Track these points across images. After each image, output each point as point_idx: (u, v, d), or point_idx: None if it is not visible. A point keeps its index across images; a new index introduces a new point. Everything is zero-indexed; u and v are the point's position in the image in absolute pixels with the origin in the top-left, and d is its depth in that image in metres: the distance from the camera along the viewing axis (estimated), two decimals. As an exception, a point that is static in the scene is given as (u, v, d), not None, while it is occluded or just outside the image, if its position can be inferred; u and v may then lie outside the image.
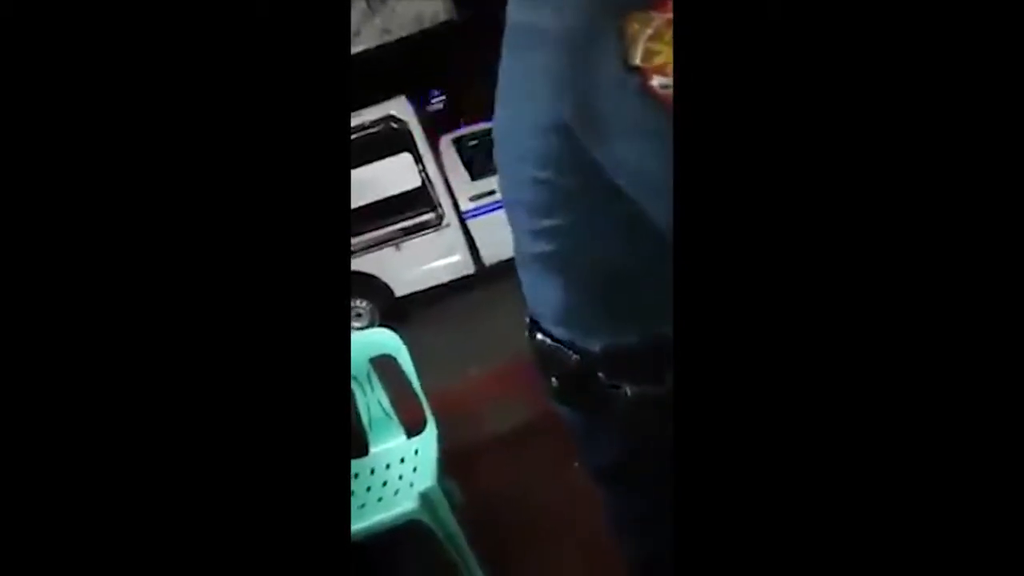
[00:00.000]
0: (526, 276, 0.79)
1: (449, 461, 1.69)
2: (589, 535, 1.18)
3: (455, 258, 4.19)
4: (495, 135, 0.74)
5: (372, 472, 1.73)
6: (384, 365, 1.77)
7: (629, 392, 0.71)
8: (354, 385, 1.76)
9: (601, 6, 0.51)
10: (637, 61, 0.49)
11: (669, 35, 0.49)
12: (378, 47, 4.59)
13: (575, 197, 0.63)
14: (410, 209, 4.17)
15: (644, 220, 0.58)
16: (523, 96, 0.62)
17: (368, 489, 1.68)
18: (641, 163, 0.54)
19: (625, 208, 0.59)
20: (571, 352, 0.74)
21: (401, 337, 1.74)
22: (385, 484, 1.69)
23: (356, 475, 1.72)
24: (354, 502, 1.62)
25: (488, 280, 3.94)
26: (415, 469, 1.68)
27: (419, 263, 4.19)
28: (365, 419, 1.78)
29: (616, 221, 0.62)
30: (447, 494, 1.63)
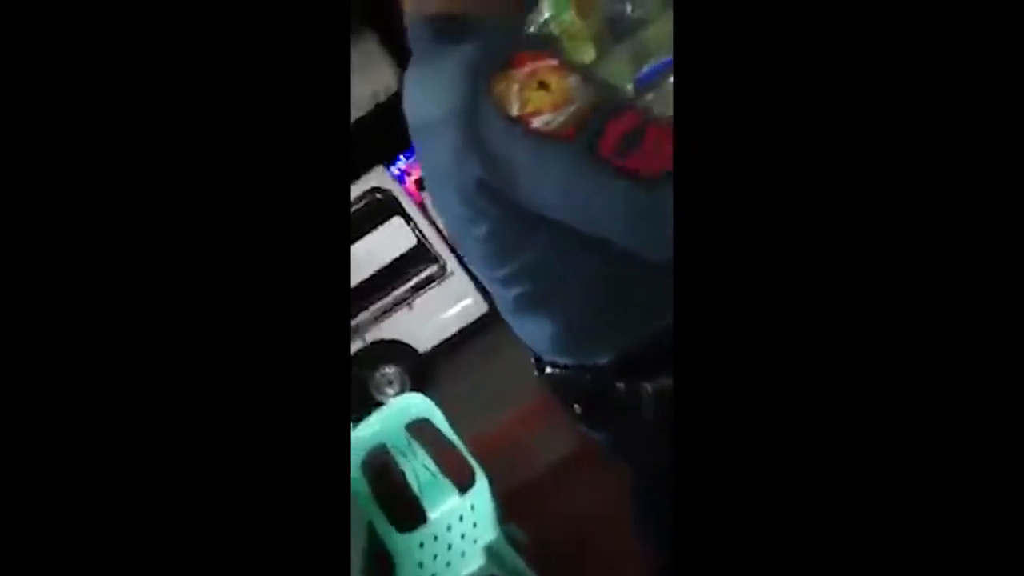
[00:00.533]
0: (511, 321, 0.82)
1: (506, 505, 1.68)
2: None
3: (467, 301, 4.24)
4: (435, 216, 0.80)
5: (436, 539, 1.73)
6: (421, 429, 1.78)
7: (651, 390, 0.71)
8: (397, 455, 1.77)
9: (470, 82, 0.59)
10: (515, 112, 0.57)
11: (533, 82, 0.57)
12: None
13: (519, 239, 0.68)
14: (413, 267, 4.27)
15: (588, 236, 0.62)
16: (441, 175, 0.69)
17: (435, 557, 1.68)
18: (555, 192, 0.59)
19: (566, 232, 0.63)
20: (583, 373, 0.75)
21: (432, 396, 1.76)
22: (450, 547, 1.68)
23: (421, 544, 1.71)
24: (424, 573, 1.62)
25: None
26: (475, 524, 1.67)
27: (434, 315, 4.24)
28: (415, 487, 1.79)
29: (566, 245, 0.66)
30: (510, 539, 1.63)
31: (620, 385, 0.73)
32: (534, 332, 0.78)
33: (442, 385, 1.91)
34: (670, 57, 1.61)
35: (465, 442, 1.72)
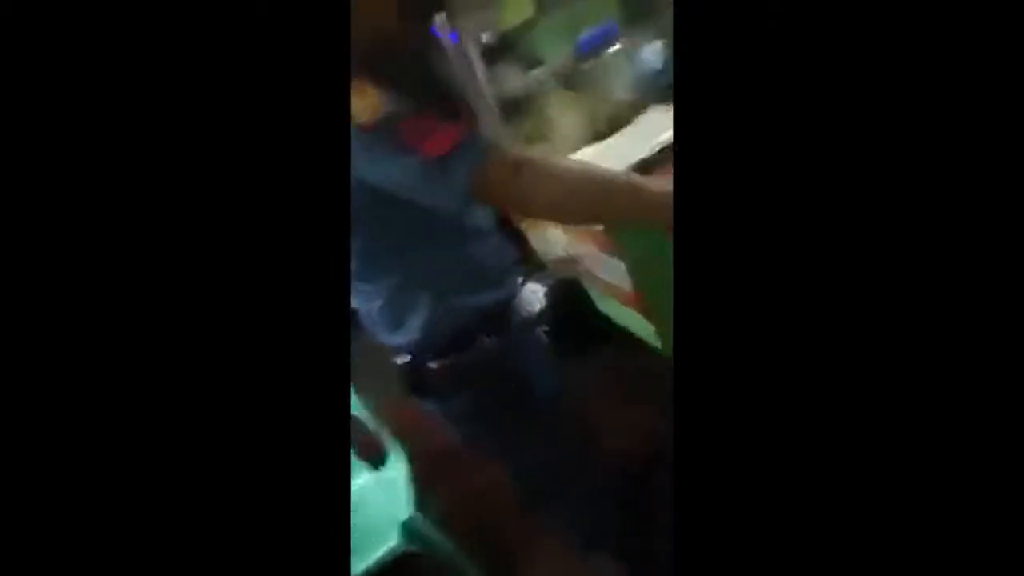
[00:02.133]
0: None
1: (422, 477, 1.63)
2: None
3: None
4: None
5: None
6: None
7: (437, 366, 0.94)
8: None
9: None
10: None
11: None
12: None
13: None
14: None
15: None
16: None
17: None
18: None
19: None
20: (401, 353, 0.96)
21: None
22: (361, 524, 1.62)
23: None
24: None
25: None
26: (388, 501, 1.61)
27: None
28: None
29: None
30: (427, 513, 1.58)
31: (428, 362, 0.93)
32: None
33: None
34: (611, 24, 1.58)
35: (378, 414, 1.64)
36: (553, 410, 1.05)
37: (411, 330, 0.94)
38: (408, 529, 1.45)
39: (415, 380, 0.99)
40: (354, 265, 0.93)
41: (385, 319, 0.98)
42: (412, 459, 1.62)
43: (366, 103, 0.75)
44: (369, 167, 0.78)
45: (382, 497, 1.65)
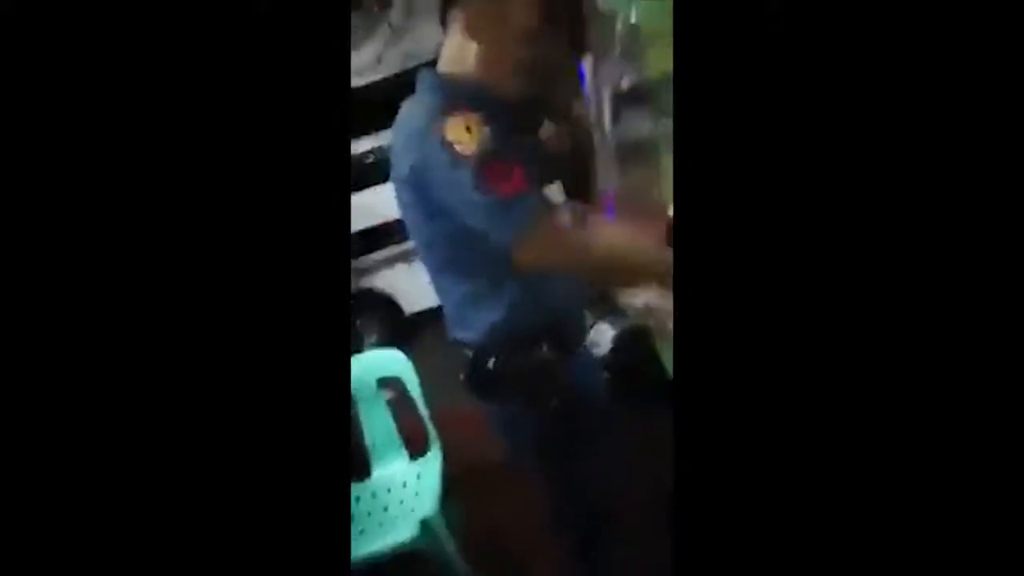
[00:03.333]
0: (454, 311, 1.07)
1: (453, 484, 1.65)
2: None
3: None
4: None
5: (373, 496, 1.70)
6: (391, 386, 1.75)
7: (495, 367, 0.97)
8: (360, 406, 1.74)
9: (426, 115, 0.91)
10: (449, 138, 0.86)
11: (462, 126, 0.86)
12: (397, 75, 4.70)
13: (424, 225, 0.98)
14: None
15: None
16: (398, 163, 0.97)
17: (369, 514, 1.65)
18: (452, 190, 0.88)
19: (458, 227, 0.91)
20: (466, 349, 1.01)
21: (411, 358, 1.72)
22: (386, 509, 1.66)
23: (357, 498, 1.69)
24: (354, 527, 1.59)
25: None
26: (417, 494, 1.65)
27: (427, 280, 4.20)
28: (369, 441, 1.76)
29: (453, 239, 0.94)
30: (448, 519, 1.60)
31: (492, 360, 0.97)
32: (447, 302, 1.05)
33: (423, 350, 1.89)
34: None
35: (431, 412, 1.69)
36: (598, 446, 1.04)
37: (479, 329, 0.98)
38: (424, 527, 1.47)
39: (476, 380, 1.01)
40: (436, 262, 1.00)
41: (458, 317, 1.02)
42: (447, 459, 1.65)
43: (472, 136, 0.85)
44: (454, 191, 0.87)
45: (411, 488, 1.68)
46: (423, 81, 0.98)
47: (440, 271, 1.02)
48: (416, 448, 1.74)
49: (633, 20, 1.49)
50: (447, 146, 0.84)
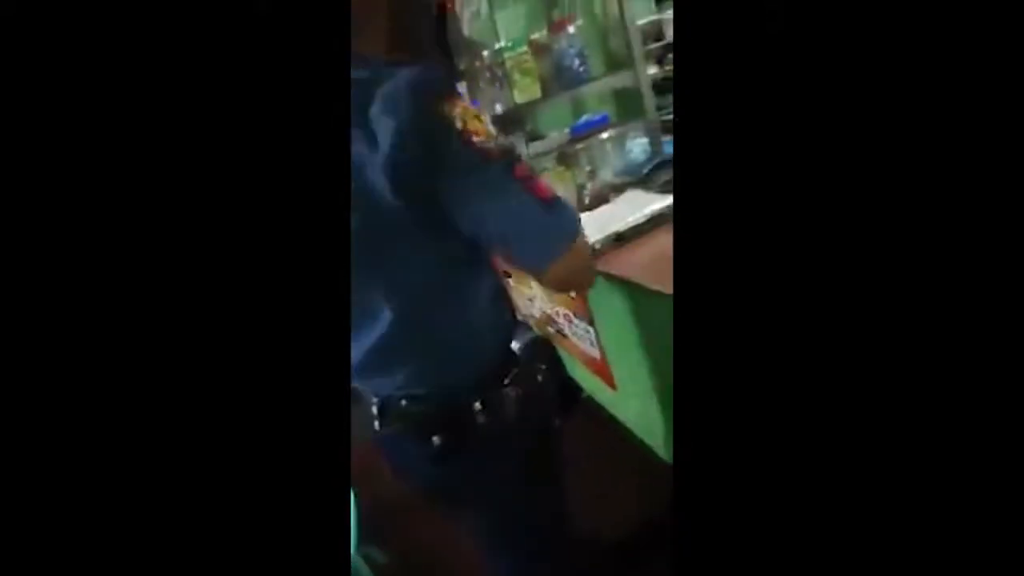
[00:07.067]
0: (367, 358, 0.89)
1: (369, 524, 1.60)
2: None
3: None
4: None
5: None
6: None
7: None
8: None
9: (413, 98, 0.67)
10: (459, 127, 0.67)
11: (469, 114, 0.69)
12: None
13: (405, 243, 0.76)
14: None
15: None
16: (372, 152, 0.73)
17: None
18: (476, 196, 0.70)
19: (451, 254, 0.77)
20: (441, 398, 0.86)
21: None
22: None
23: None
24: None
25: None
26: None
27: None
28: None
29: (441, 266, 0.78)
30: (368, 560, 1.54)
31: (477, 404, 0.85)
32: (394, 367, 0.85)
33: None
34: (603, 115, 1.73)
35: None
36: (521, 465, 1.00)
37: (397, 380, 0.86)
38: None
39: (386, 415, 0.90)
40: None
41: (372, 364, 0.87)
42: (360, 501, 1.58)
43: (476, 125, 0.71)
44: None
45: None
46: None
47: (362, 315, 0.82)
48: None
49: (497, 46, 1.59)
50: (463, 137, 0.67)
